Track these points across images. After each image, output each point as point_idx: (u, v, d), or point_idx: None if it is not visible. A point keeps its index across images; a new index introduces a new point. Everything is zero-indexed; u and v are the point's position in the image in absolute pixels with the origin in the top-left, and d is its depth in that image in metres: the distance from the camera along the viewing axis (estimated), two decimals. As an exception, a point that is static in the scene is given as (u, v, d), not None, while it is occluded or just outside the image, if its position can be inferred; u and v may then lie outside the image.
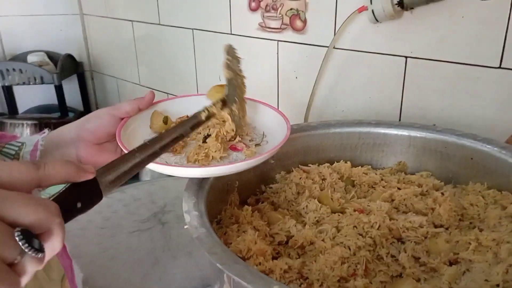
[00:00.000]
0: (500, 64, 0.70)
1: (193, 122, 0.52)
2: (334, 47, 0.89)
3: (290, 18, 0.96)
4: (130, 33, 1.48)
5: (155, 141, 0.45)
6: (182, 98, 0.66)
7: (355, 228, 0.54)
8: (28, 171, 0.32)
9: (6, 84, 1.53)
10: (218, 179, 0.57)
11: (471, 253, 0.49)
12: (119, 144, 0.54)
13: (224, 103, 0.58)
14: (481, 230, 0.54)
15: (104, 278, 0.65)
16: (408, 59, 0.80)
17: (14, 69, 1.48)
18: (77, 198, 0.34)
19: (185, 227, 0.43)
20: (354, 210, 0.57)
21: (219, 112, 0.56)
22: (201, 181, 0.53)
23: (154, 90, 0.71)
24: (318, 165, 0.68)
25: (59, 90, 1.53)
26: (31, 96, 1.64)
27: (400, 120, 0.85)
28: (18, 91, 1.66)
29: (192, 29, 1.23)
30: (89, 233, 0.77)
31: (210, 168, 0.53)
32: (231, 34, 1.12)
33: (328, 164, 0.68)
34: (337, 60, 0.91)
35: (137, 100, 0.60)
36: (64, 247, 0.52)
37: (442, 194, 0.59)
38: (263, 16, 1.02)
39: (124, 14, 1.48)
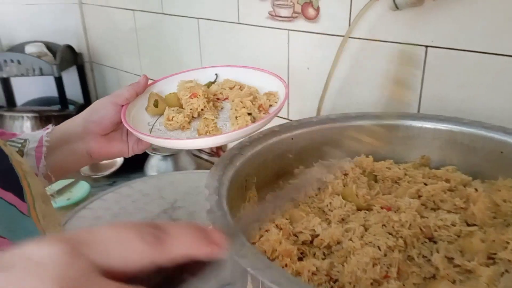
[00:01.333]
0: (527, 53, 0.67)
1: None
2: (349, 37, 0.85)
3: (302, 6, 0.93)
4: (131, 22, 1.43)
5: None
6: (176, 76, 0.67)
7: (384, 226, 0.51)
8: (150, 250, 0.23)
9: (4, 76, 1.48)
10: (238, 174, 0.54)
11: (509, 253, 0.46)
12: (128, 128, 0.55)
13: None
14: (517, 228, 0.51)
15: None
16: (428, 48, 0.77)
17: (12, 60, 1.43)
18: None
19: (209, 227, 0.40)
20: (382, 208, 0.54)
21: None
22: (221, 177, 0.50)
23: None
24: (339, 160, 0.65)
25: (59, 82, 1.49)
26: (30, 88, 1.59)
27: (419, 111, 0.82)
28: (16, 83, 1.61)
29: (197, 18, 1.19)
30: (97, 230, 0.74)
31: (224, 135, 0.54)
32: (238, 23, 1.08)
33: (349, 158, 0.65)
34: (352, 50, 0.87)
35: (134, 86, 0.61)
36: None
37: (476, 190, 0.56)
38: (273, 4, 0.98)
39: (124, 3, 1.44)
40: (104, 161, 1.01)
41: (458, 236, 0.50)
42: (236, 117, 0.56)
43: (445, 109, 0.79)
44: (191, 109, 0.60)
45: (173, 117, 0.57)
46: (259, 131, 0.57)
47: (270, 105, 0.61)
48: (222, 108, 0.64)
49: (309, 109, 0.97)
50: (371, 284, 0.44)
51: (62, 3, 1.63)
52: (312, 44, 0.94)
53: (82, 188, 0.91)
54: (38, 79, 1.52)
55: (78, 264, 0.21)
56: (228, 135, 0.53)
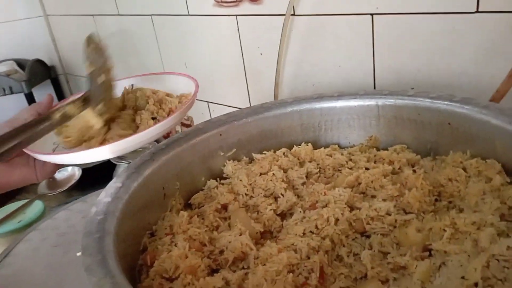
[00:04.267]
0: (477, 7, 0.59)
1: (43, 125, 0.45)
2: (292, 14, 0.79)
3: (244, -12, 0.86)
4: (93, 28, 1.39)
5: None
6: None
7: (305, 225, 0.45)
8: None
9: (-26, 99, 1.46)
10: (148, 183, 0.49)
11: (446, 243, 0.40)
12: (27, 151, 0.49)
13: (87, 101, 0.51)
14: (461, 211, 0.44)
15: (47, 306, 0.58)
16: (374, 16, 0.70)
17: (-20, 82, 1.41)
18: None
19: (78, 254, 0.35)
20: (310, 206, 0.48)
21: (78, 111, 0.49)
22: (118, 190, 0.45)
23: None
24: (275, 151, 0.59)
25: (30, 98, 1.46)
26: (3, 108, 1.57)
27: (375, 87, 0.75)
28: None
29: (151, 15, 1.13)
30: (41, 253, 0.70)
31: (123, 141, 0.48)
32: (189, 15, 1.02)
33: (285, 149, 0.59)
34: (299, 29, 0.81)
35: (35, 106, 0.55)
36: None
37: (414, 171, 0.49)
38: (217, -10, 0.92)
39: (84, 9, 1.39)
40: (62, 176, 0.97)
41: (394, 227, 0.44)
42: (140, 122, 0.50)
43: (401, 81, 0.72)
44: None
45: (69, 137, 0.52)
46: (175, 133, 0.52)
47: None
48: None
49: (268, 96, 0.91)
50: (284, 295, 0.39)
51: (27, 18, 1.60)
52: (261, 27, 0.87)
53: (35, 208, 0.88)
54: (9, 98, 1.49)
55: None
56: (128, 140, 0.47)
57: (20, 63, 1.57)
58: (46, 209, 0.90)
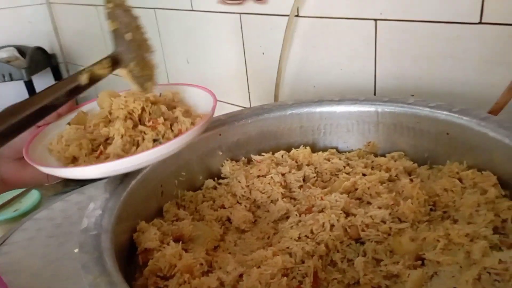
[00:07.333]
0: (481, 19, 0.59)
1: (71, 87, 0.42)
2: (296, 15, 0.79)
3: (249, -13, 0.86)
4: (96, 19, 1.39)
5: (13, 112, 0.36)
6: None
7: (302, 230, 0.45)
8: None
9: (-27, 85, 1.46)
10: (147, 180, 0.49)
11: (439, 253, 0.40)
12: (25, 157, 0.46)
13: (116, 61, 0.47)
14: (455, 221, 0.45)
15: (42, 297, 0.58)
16: (377, 22, 0.70)
17: (-21, 69, 1.40)
18: None
19: (75, 251, 0.35)
20: (306, 209, 0.48)
21: (106, 72, 0.46)
22: (116, 186, 0.45)
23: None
24: (273, 153, 0.60)
25: (29, 86, 1.46)
26: (2, 95, 1.56)
27: (375, 92, 0.75)
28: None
29: (154, 8, 1.13)
30: (36, 243, 0.70)
31: (109, 163, 0.42)
32: (192, 10, 1.02)
33: (283, 152, 0.59)
34: (302, 31, 0.81)
35: None
36: None
37: (411, 180, 0.50)
38: (222, -13, 0.91)
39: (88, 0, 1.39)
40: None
41: (389, 235, 0.45)
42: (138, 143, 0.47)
43: (402, 87, 0.72)
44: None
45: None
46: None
47: None
48: None
49: (269, 96, 0.91)
50: (277, 298, 0.39)
51: (29, 5, 1.59)
52: (264, 27, 0.87)
53: (31, 197, 0.88)
54: (9, 85, 1.49)
55: None
56: (123, 161, 0.42)
57: (21, 50, 1.57)
58: (42, 198, 0.90)
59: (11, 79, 1.43)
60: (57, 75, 1.65)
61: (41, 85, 1.54)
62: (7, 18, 1.58)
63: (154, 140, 0.47)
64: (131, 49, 0.47)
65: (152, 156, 0.43)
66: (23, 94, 1.59)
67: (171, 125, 0.49)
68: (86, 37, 1.52)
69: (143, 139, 0.48)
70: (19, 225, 0.77)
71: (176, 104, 0.53)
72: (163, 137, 0.48)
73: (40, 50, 1.57)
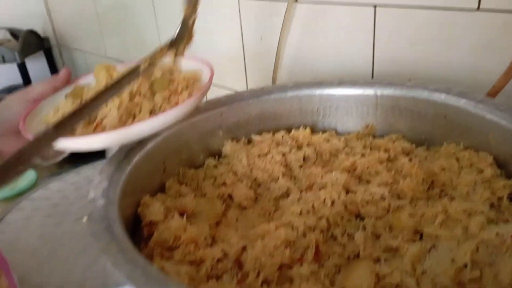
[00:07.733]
0: (479, 5, 0.60)
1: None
2: (295, 0, 0.79)
3: (249, -30, 0.86)
4: (90, 2, 1.37)
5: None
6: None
7: (303, 206, 0.46)
8: None
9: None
10: (150, 157, 0.50)
11: (437, 228, 0.42)
12: (21, 131, 0.47)
13: (172, 45, 0.51)
14: (452, 199, 0.46)
15: (41, 275, 0.59)
16: (377, 8, 0.71)
17: (-29, 50, 1.38)
18: None
19: (83, 220, 0.36)
20: (306, 188, 0.49)
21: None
22: (120, 162, 0.45)
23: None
24: (274, 134, 0.60)
25: (22, 69, 1.44)
26: (-6, 77, 1.55)
27: (373, 76, 0.76)
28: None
29: (151, -8, 1.12)
30: (33, 223, 0.70)
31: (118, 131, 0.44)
32: (190, -6, 1.01)
33: (284, 132, 0.60)
34: (301, 16, 0.81)
35: (51, 79, 0.54)
36: None
37: (410, 160, 0.51)
38: (221, -30, 0.91)
39: (83, -19, 1.37)
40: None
41: (388, 211, 0.46)
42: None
43: (400, 72, 0.73)
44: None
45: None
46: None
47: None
48: None
49: (266, 81, 0.91)
50: (279, 269, 0.40)
51: (22, -14, 1.57)
52: (263, 12, 0.88)
53: (28, 177, 0.87)
54: (2, 68, 1.47)
55: None
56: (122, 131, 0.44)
57: (13, 33, 1.55)
58: (38, 178, 0.90)
59: (4, 61, 1.41)
60: (49, 58, 1.63)
61: (34, 68, 1.53)
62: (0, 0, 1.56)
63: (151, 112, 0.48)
64: (186, 32, 0.52)
65: (149, 126, 0.44)
66: (16, 77, 1.58)
67: (169, 96, 0.50)
68: (80, 20, 1.51)
69: (140, 110, 0.49)
70: (15, 205, 0.77)
71: (176, 77, 0.54)
72: (160, 108, 0.49)
73: (32, 33, 1.55)
